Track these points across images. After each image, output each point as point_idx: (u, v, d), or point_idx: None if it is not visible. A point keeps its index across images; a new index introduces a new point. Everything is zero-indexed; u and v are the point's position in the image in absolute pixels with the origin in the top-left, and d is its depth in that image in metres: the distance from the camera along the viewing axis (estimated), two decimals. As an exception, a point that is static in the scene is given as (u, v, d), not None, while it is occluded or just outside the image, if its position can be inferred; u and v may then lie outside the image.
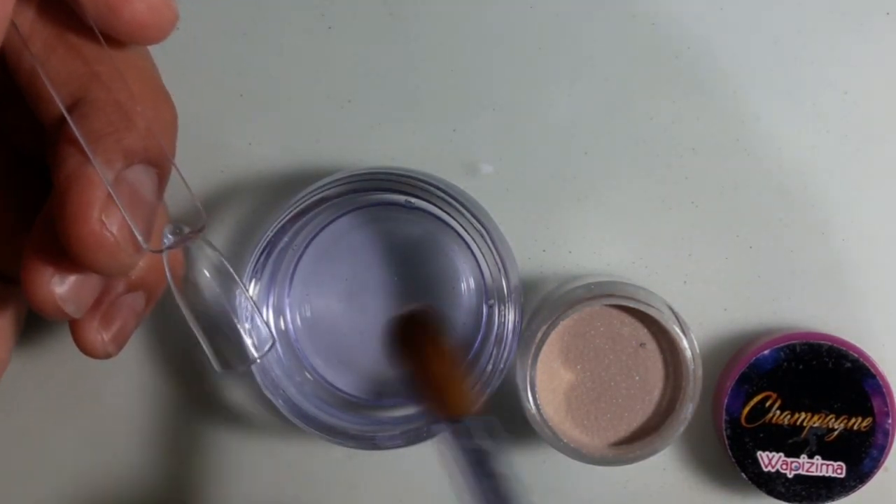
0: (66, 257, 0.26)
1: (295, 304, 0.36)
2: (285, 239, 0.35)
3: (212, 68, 0.37)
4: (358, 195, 0.34)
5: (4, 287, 0.32)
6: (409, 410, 0.36)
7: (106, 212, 0.25)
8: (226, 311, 0.28)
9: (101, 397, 0.39)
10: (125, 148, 0.26)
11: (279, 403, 0.34)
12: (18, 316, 0.33)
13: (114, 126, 0.26)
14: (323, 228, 0.36)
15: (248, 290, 0.29)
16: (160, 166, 0.27)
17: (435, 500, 0.38)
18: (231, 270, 0.28)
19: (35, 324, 0.35)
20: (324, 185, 0.33)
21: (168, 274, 0.28)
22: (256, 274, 0.34)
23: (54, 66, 0.26)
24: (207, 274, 0.28)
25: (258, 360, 0.29)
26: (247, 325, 0.28)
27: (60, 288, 0.27)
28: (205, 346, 0.28)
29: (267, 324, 0.29)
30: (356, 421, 0.35)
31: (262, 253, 0.34)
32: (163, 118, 0.28)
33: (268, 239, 0.34)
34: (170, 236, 0.28)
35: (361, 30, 0.37)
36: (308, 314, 0.36)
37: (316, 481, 0.39)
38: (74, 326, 0.29)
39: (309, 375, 0.36)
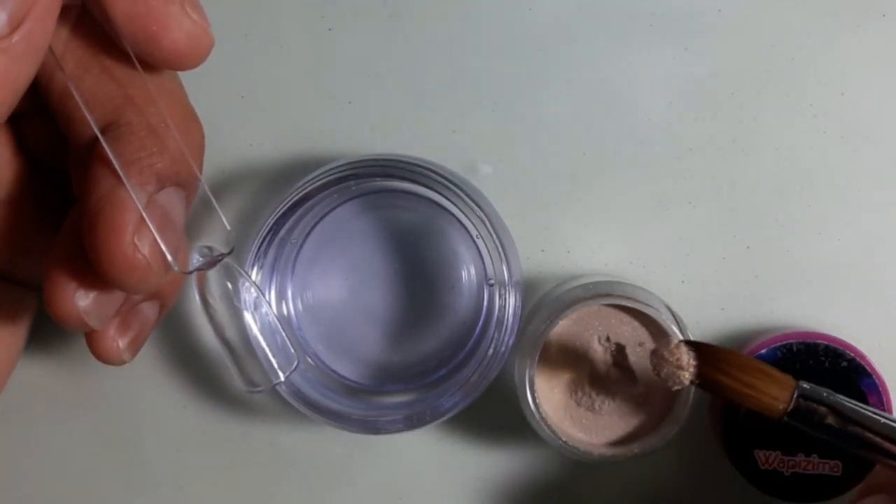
0: (89, 272, 0.26)
1: (297, 290, 0.37)
2: (287, 226, 0.35)
3: (212, 69, 0.37)
4: (359, 182, 0.34)
5: (17, 290, 0.32)
6: (409, 396, 0.36)
7: (138, 234, 0.26)
8: (251, 331, 0.28)
9: (102, 390, 0.39)
10: (158, 172, 0.26)
11: (283, 390, 0.34)
12: (29, 319, 0.34)
13: (147, 150, 0.26)
14: (324, 216, 0.36)
15: (273, 310, 0.30)
16: (189, 189, 0.28)
17: (435, 492, 0.39)
18: (259, 290, 0.29)
19: (38, 324, 0.35)
20: (325, 172, 0.34)
21: (197, 294, 0.28)
22: (258, 261, 0.35)
23: (88, 87, 0.27)
24: (234, 294, 0.28)
25: (283, 381, 0.29)
26: (272, 345, 0.29)
27: (84, 302, 0.27)
28: (230, 365, 0.29)
29: (293, 344, 0.29)
30: (358, 406, 0.36)
31: (263, 240, 0.34)
32: (192, 140, 0.29)
33: (269, 226, 0.34)
34: (199, 257, 0.28)
35: (361, 31, 0.37)
36: (310, 300, 0.37)
37: (316, 468, 0.39)
38: (90, 333, 0.30)
39: (311, 361, 0.36)
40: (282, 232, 0.35)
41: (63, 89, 0.27)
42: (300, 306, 0.37)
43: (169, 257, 0.26)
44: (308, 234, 0.36)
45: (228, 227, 0.28)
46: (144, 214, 0.26)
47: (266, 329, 0.29)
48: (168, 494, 0.39)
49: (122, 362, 0.30)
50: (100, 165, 0.26)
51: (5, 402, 0.35)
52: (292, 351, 0.29)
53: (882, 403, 0.35)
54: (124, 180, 0.26)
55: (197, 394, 0.39)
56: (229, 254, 0.28)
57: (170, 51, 0.27)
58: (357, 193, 0.36)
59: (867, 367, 0.35)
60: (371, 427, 0.34)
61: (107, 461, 0.39)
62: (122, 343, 0.30)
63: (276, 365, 0.29)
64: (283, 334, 0.29)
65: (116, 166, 0.26)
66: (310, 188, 0.34)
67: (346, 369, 0.37)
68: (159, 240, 0.26)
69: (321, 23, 0.37)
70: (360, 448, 0.38)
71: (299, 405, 0.34)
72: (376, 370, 0.37)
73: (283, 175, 0.37)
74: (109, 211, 0.26)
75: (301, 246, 0.36)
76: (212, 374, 0.38)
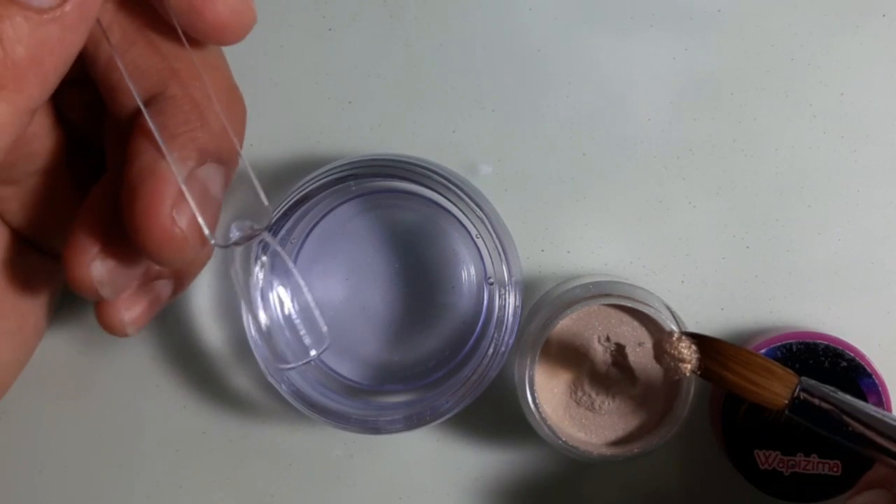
0: (110, 242, 0.27)
1: (297, 290, 0.37)
2: (287, 226, 0.35)
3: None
4: (359, 182, 0.34)
5: (48, 262, 0.32)
6: (409, 396, 0.36)
7: (177, 208, 0.26)
8: (284, 307, 0.28)
9: (102, 390, 0.39)
10: (200, 147, 0.27)
11: (283, 389, 0.34)
12: (58, 291, 0.34)
13: (190, 124, 0.27)
14: (324, 216, 0.36)
15: (306, 288, 0.30)
16: (229, 165, 0.28)
17: (435, 492, 0.39)
18: (292, 267, 0.29)
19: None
20: (324, 172, 0.34)
21: (231, 269, 0.29)
22: (259, 260, 0.35)
23: (133, 59, 0.27)
24: (267, 270, 0.28)
25: (315, 357, 0.29)
26: (304, 322, 0.29)
27: (99, 271, 0.27)
28: (256, 339, 0.29)
29: (324, 321, 0.29)
30: (358, 406, 0.36)
31: (263, 239, 0.34)
32: (235, 117, 0.29)
33: (269, 226, 0.34)
34: (236, 232, 0.28)
35: (362, 31, 0.37)
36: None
37: (316, 468, 0.39)
38: (99, 302, 0.30)
39: (311, 361, 0.36)
40: (282, 232, 0.35)
41: (108, 60, 0.27)
42: (300, 306, 0.37)
43: (206, 231, 0.26)
44: (308, 234, 0.36)
45: (266, 203, 0.28)
46: (184, 188, 0.26)
47: (298, 306, 0.29)
48: (168, 494, 0.39)
49: (124, 335, 0.30)
50: (141, 138, 0.26)
51: (5, 401, 0.35)
52: (324, 329, 0.29)
53: (882, 403, 0.35)
54: (165, 153, 0.26)
55: (197, 394, 0.39)
56: (265, 229, 0.28)
57: (212, 23, 0.27)
58: (357, 193, 0.36)
59: (867, 367, 0.35)
60: (371, 427, 0.34)
61: (107, 460, 0.39)
62: (128, 316, 0.30)
63: (307, 342, 0.29)
64: (316, 312, 0.29)
65: (158, 139, 0.26)
66: (310, 188, 0.34)
67: (346, 369, 0.37)
68: (197, 214, 0.26)
69: (321, 23, 0.37)
70: (360, 448, 0.38)
71: (299, 405, 0.34)
72: (376, 370, 0.37)
73: (284, 175, 0.37)
74: (149, 183, 0.26)
75: (301, 246, 0.36)
76: (212, 374, 0.38)
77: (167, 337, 0.38)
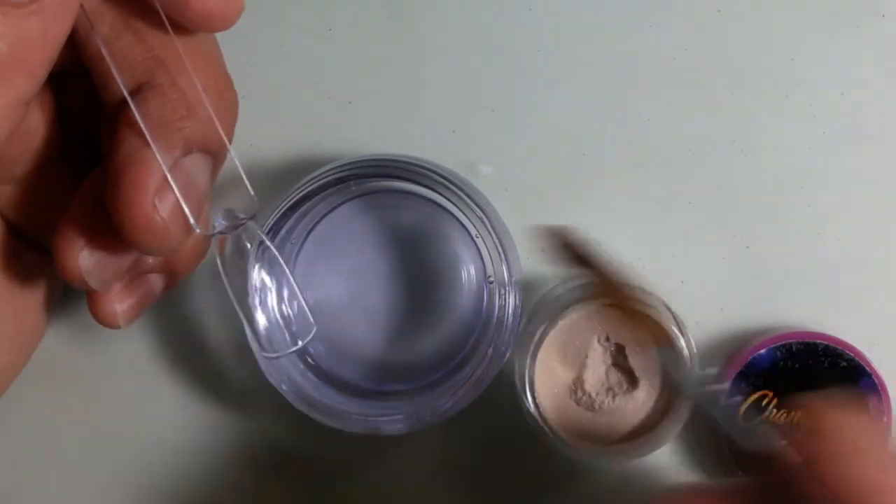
0: (99, 233, 0.27)
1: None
2: (287, 226, 0.35)
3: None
4: (359, 182, 0.34)
5: (46, 258, 0.32)
6: (409, 396, 0.36)
7: (159, 196, 0.26)
8: (271, 298, 0.29)
9: (102, 390, 0.39)
10: (185, 136, 0.27)
11: (283, 389, 0.34)
12: (56, 287, 0.34)
13: (176, 113, 0.27)
14: (325, 216, 0.36)
15: (288, 272, 0.30)
16: (216, 155, 0.28)
17: (435, 492, 0.39)
18: (278, 257, 0.29)
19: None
20: (325, 172, 0.34)
21: (217, 257, 0.29)
22: (259, 260, 0.35)
23: (120, 48, 0.27)
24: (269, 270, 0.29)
25: (301, 346, 0.29)
26: (290, 312, 0.29)
27: (87, 262, 0.27)
28: (248, 330, 0.29)
29: (310, 311, 0.29)
30: (358, 406, 0.36)
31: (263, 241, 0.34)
32: (225, 107, 0.29)
33: (269, 226, 0.34)
34: (222, 221, 0.28)
35: (362, 31, 0.37)
36: (310, 301, 0.36)
37: (316, 468, 0.39)
38: (91, 294, 0.30)
39: (311, 361, 0.36)
40: (282, 232, 0.35)
41: (98, 50, 0.27)
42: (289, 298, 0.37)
43: (191, 220, 0.26)
44: (308, 234, 0.36)
45: (252, 193, 0.28)
46: (168, 176, 0.26)
47: (284, 296, 0.29)
48: (168, 494, 0.39)
49: (117, 326, 0.30)
50: (128, 126, 0.26)
51: (4, 401, 0.35)
52: (309, 319, 0.29)
53: (881, 403, 0.35)
54: (151, 142, 0.26)
55: (197, 394, 0.39)
56: (251, 219, 0.28)
57: (199, 11, 0.27)
58: (357, 194, 0.36)
59: (867, 367, 0.35)
60: (371, 427, 0.34)
61: (106, 461, 0.39)
62: (119, 308, 0.30)
63: (294, 331, 0.29)
64: (302, 301, 0.29)
65: (143, 128, 0.26)
66: (310, 188, 0.34)
67: (346, 369, 0.37)
68: (182, 203, 0.26)
69: (321, 23, 0.37)
70: (360, 448, 0.38)
71: (299, 405, 0.34)
72: (376, 370, 0.37)
73: (283, 175, 0.37)
74: (132, 171, 0.26)
75: (301, 246, 0.36)
76: (212, 374, 0.38)
77: (167, 336, 0.38)
